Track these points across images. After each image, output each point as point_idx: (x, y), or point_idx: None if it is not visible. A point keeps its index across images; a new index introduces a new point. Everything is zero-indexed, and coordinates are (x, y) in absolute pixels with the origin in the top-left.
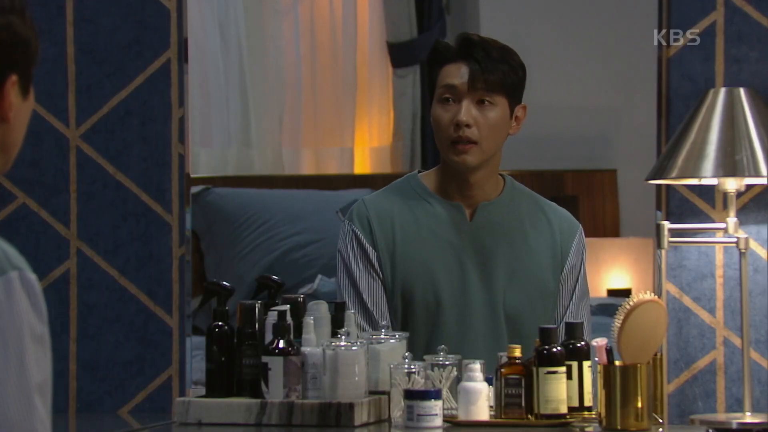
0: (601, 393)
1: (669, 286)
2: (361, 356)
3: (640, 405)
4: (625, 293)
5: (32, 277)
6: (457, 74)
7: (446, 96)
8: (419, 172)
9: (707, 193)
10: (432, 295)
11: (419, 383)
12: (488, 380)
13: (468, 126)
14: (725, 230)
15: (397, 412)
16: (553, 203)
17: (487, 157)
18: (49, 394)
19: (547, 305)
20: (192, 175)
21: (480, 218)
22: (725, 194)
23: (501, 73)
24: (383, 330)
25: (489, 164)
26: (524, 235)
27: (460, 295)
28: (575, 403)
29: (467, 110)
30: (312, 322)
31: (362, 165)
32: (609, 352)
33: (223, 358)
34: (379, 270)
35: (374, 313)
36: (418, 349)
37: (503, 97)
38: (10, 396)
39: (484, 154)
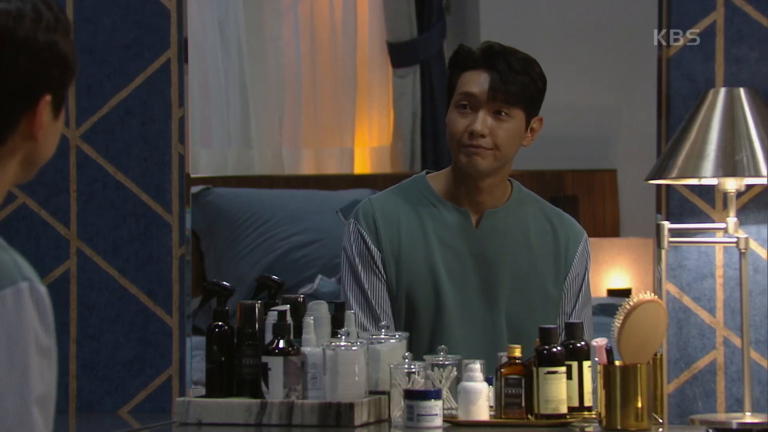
0: (601, 393)
1: (669, 286)
2: (361, 356)
3: (640, 405)
4: (625, 293)
5: (42, 289)
6: (477, 83)
7: (463, 103)
8: (427, 173)
9: (707, 193)
10: (434, 300)
11: (419, 383)
12: (488, 380)
13: (482, 136)
14: (725, 230)
15: (397, 412)
16: (559, 210)
17: (498, 165)
18: (52, 408)
19: (550, 312)
20: (192, 175)
21: (485, 225)
22: (725, 194)
23: (521, 85)
24: (383, 330)
25: (499, 172)
26: (528, 243)
27: (462, 301)
28: (575, 403)
29: (483, 120)
30: (312, 322)
31: (362, 165)
32: (609, 352)
33: (223, 358)
34: (383, 271)
35: (378, 313)
36: (421, 352)
37: (521, 109)
38: (8, 405)
39: (497, 160)
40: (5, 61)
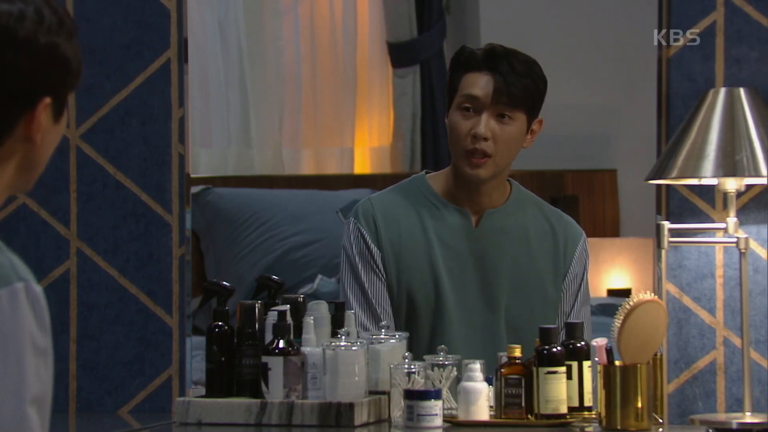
0: (601, 393)
1: (669, 286)
2: (361, 356)
3: (640, 405)
4: (625, 293)
5: (38, 289)
6: (481, 85)
7: (466, 105)
8: (426, 172)
9: (707, 193)
10: (434, 300)
11: (419, 383)
12: (488, 380)
13: (485, 139)
14: (725, 230)
15: (397, 412)
16: (558, 210)
17: (500, 171)
18: (48, 408)
19: (549, 313)
20: (192, 175)
21: (485, 225)
22: (725, 194)
23: (523, 88)
24: (383, 330)
25: (499, 174)
26: (527, 243)
27: (461, 301)
28: (575, 403)
29: (486, 124)
30: (312, 322)
31: (362, 165)
32: (609, 352)
33: (223, 358)
34: (383, 270)
35: (378, 312)
36: (421, 352)
37: (523, 112)
38: (4, 405)
39: (497, 167)
40: (4, 61)
